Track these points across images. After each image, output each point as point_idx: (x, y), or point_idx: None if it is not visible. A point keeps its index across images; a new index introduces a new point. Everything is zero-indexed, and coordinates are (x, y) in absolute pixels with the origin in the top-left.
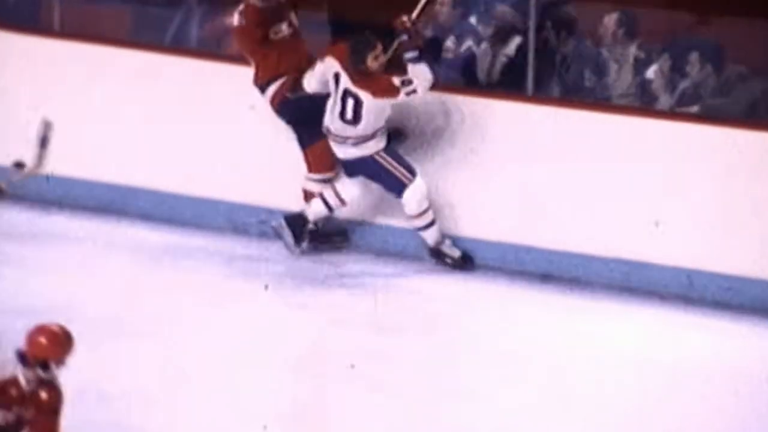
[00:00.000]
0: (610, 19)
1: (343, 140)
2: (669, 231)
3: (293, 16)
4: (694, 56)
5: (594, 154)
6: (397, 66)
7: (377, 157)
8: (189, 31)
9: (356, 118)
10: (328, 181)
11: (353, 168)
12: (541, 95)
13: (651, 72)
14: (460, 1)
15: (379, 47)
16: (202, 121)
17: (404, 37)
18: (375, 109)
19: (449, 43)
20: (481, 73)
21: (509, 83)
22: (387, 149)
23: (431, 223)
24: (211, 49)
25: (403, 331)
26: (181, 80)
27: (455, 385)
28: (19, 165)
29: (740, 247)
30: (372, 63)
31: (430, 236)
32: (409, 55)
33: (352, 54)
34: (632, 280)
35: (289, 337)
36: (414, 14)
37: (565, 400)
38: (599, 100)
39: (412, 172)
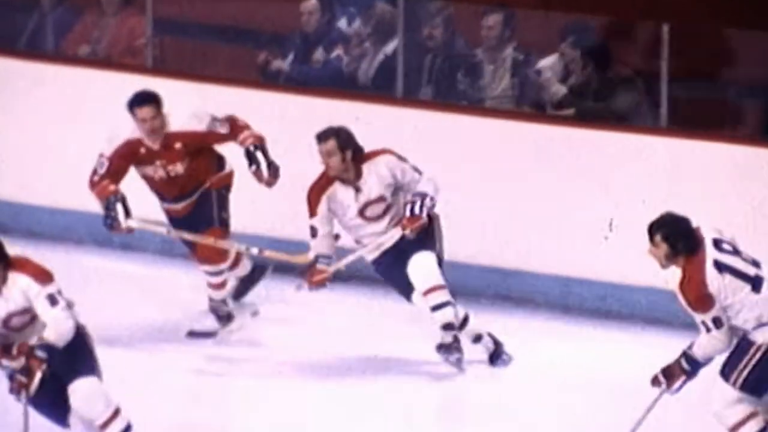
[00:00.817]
0: (495, 20)
1: None
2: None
3: (185, 161)
4: (577, 54)
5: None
6: None
7: None
8: (44, 36)
9: None
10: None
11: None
12: (410, 97)
13: (543, 62)
14: (327, 7)
15: (335, 148)
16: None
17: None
18: None
19: (318, 55)
20: (363, 75)
21: (382, 84)
22: None
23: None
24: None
25: None
26: (39, 85)
27: None
28: None
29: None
30: (325, 157)
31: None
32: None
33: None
34: None
35: None
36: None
37: None
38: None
39: None
